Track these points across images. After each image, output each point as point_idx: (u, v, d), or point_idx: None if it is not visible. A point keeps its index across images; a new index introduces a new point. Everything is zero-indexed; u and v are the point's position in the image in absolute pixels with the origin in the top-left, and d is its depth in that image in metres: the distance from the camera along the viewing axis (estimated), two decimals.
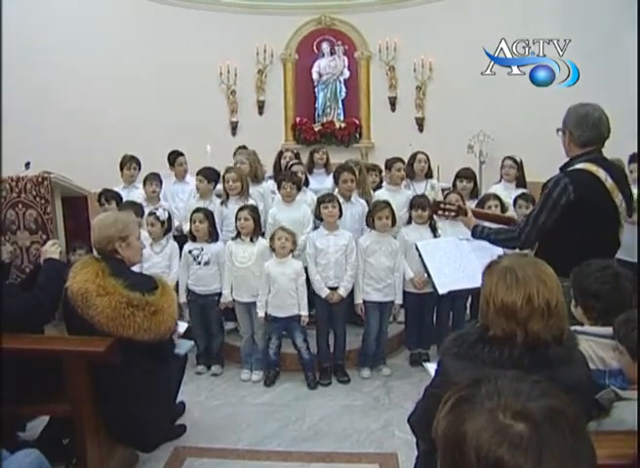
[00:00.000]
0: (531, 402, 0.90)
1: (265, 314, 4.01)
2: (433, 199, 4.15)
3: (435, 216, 3.94)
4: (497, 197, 4.41)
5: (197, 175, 4.79)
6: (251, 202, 4.45)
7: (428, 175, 5.08)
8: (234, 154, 5.73)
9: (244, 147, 5.71)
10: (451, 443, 0.93)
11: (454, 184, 4.81)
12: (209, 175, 4.79)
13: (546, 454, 0.84)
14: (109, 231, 2.81)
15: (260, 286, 4.00)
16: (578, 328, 2.06)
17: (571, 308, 2.15)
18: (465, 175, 4.79)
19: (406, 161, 5.00)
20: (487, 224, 3.09)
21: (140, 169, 5.19)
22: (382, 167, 5.24)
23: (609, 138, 2.81)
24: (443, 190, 5.07)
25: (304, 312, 3.99)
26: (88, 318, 2.62)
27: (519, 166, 5.01)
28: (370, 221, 4.12)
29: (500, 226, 3.08)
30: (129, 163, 5.12)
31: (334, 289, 4.04)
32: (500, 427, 0.87)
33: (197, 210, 4.23)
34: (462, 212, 3.22)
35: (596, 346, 1.96)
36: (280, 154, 5.43)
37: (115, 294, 2.63)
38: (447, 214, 3.26)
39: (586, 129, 2.74)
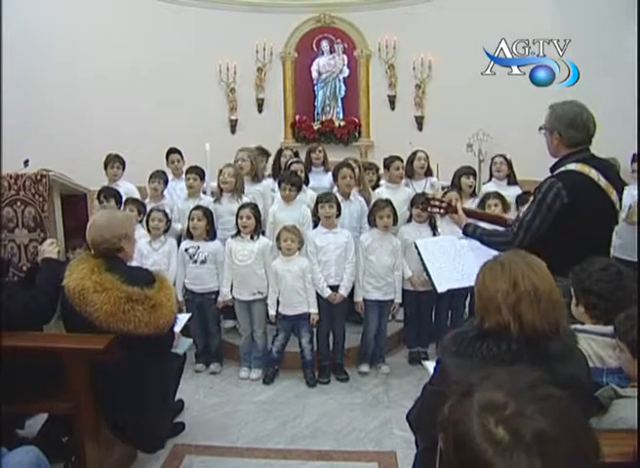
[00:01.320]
0: (526, 417, 0.88)
1: (277, 312, 4.02)
2: (424, 194, 4.14)
3: (424, 213, 3.92)
4: (498, 196, 4.40)
5: (189, 173, 4.81)
6: (245, 199, 4.45)
7: (428, 173, 5.08)
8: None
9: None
10: (450, 435, 0.95)
11: (455, 183, 4.79)
12: (200, 172, 4.84)
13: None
14: (122, 229, 2.82)
15: (270, 284, 4.02)
16: (578, 326, 2.06)
17: (571, 307, 2.15)
18: (469, 172, 4.79)
19: (405, 159, 5.00)
20: (481, 225, 3.08)
21: (124, 168, 5.23)
22: (380, 165, 5.26)
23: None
24: (442, 188, 5.07)
25: (314, 309, 4.00)
26: (86, 315, 2.61)
27: (509, 164, 5.04)
28: (371, 220, 4.12)
29: (494, 228, 3.07)
30: (112, 162, 5.16)
31: (335, 287, 4.04)
32: (485, 430, 0.88)
33: (196, 207, 4.24)
34: (452, 209, 3.21)
35: (595, 344, 1.97)
36: (279, 153, 5.43)
37: (113, 290, 2.62)
38: (436, 210, 3.27)
39: (577, 130, 2.71)
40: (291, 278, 3.96)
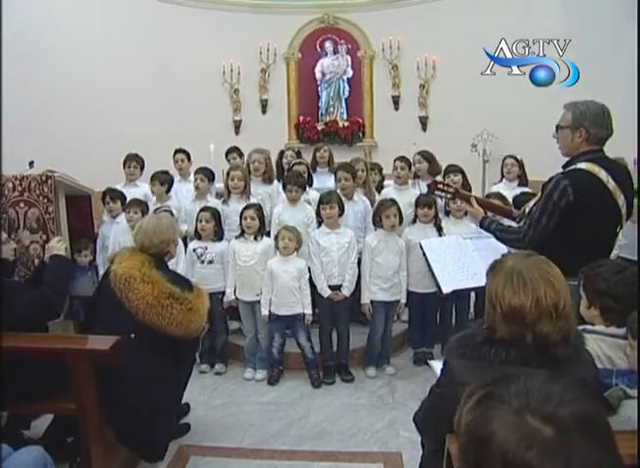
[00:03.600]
0: (561, 406, 0.87)
1: (269, 312, 4.01)
2: (427, 195, 4.13)
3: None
4: (500, 196, 4.39)
5: (196, 174, 4.77)
6: (253, 201, 4.45)
7: (434, 172, 5.05)
8: (226, 154, 5.65)
9: (236, 148, 5.66)
10: (475, 441, 0.90)
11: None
12: (208, 174, 4.80)
13: (575, 462, 0.82)
14: (168, 234, 3.03)
15: (264, 283, 4.00)
16: (587, 327, 2.04)
17: (580, 309, 2.13)
18: (452, 169, 4.76)
19: (408, 159, 4.98)
20: (498, 218, 3.08)
21: (142, 167, 5.18)
22: (383, 166, 5.25)
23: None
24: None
25: (308, 311, 3.99)
26: (126, 301, 2.76)
27: (520, 164, 5.02)
28: (377, 220, 4.10)
29: (510, 224, 3.07)
30: (129, 161, 5.13)
31: (337, 287, 4.04)
32: (528, 430, 0.85)
33: (204, 209, 4.24)
34: (460, 196, 3.28)
35: (605, 345, 1.95)
36: (281, 154, 5.39)
37: (159, 284, 2.79)
38: (444, 194, 3.30)
39: (603, 127, 2.71)
40: (287, 278, 3.95)
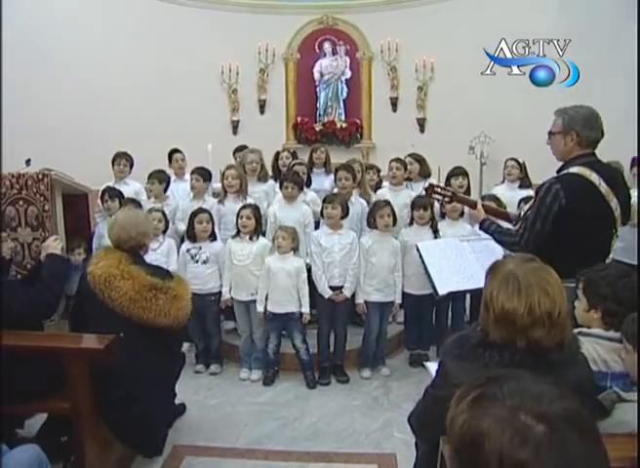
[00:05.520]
0: (551, 404, 0.88)
1: (265, 310, 4.00)
2: (423, 197, 4.15)
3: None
4: (494, 197, 4.41)
5: (192, 174, 4.77)
6: (249, 200, 4.45)
7: (423, 174, 5.06)
8: (234, 153, 5.73)
9: (245, 147, 5.70)
10: (468, 441, 0.90)
11: (447, 183, 4.78)
12: (204, 174, 4.79)
13: (568, 458, 0.83)
14: (145, 226, 3.05)
15: (261, 280, 4.00)
16: (583, 329, 2.04)
17: (576, 311, 2.13)
18: (459, 172, 4.75)
19: (403, 160, 4.99)
20: (498, 221, 3.11)
21: (131, 165, 5.18)
22: (381, 166, 5.25)
23: (604, 138, 2.81)
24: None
25: (306, 309, 3.99)
26: (109, 301, 2.73)
27: (522, 167, 5.05)
28: (371, 221, 4.11)
29: (508, 227, 3.09)
30: (119, 159, 5.13)
31: (338, 287, 4.04)
32: (522, 429, 0.85)
33: (202, 211, 4.24)
34: (458, 199, 3.37)
35: (600, 348, 1.95)
36: (277, 155, 5.36)
37: (139, 278, 2.77)
38: (440, 197, 3.35)
39: (593, 129, 2.73)
40: (283, 276, 3.95)
